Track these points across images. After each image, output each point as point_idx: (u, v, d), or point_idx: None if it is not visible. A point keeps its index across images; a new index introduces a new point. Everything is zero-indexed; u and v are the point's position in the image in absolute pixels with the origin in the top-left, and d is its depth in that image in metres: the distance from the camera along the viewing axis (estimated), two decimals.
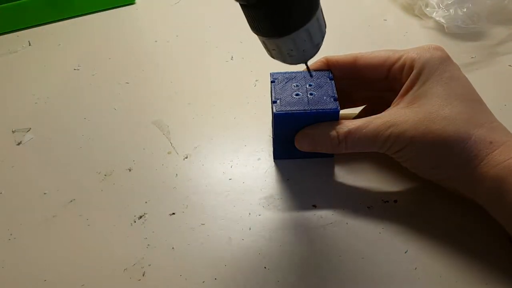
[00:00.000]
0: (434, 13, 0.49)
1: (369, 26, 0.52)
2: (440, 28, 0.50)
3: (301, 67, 0.36)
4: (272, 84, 0.36)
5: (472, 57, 0.47)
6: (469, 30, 0.48)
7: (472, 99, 0.32)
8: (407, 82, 0.33)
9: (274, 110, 0.34)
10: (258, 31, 0.29)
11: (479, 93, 0.33)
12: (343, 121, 0.33)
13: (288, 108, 0.34)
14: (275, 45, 0.30)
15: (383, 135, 0.31)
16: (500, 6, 0.49)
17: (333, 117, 0.34)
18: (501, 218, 0.30)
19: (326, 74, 0.36)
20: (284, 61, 0.31)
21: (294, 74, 0.36)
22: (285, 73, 0.36)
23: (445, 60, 0.32)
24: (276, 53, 0.31)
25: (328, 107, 0.33)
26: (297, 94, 0.35)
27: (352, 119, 0.33)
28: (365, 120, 0.32)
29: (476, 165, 0.30)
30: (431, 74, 0.32)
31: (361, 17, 0.53)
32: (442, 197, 0.34)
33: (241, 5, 0.28)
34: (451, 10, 0.48)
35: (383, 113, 0.32)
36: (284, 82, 0.36)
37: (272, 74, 0.37)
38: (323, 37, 0.31)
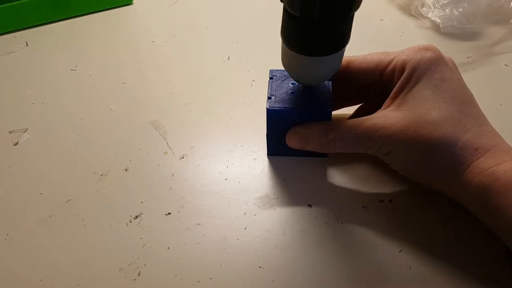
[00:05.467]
0: (430, 13, 0.49)
1: (366, 26, 0.52)
2: (436, 28, 0.50)
3: None
4: (270, 80, 0.36)
5: (468, 57, 0.47)
6: (464, 30, 0.49)
7: (462, 102, 0.31)
8: (398, 84, 0.33)
9: (267, 106, 0.34)
10: (286, 40, 0.31)
11: (475, 93, 0.33)
12: (334, 121, 0.33)
13: (281, 105, 0.34)
14: (288, 56, 0.31)
15: (371, 138, 0.31)
16: (496, 6, 0.49)
17: (325, 117, 0.34)
18: (487, 223, 0.30)
19: None
20: (290, 74, 0.33)
21: None
22: (284, 70, 0.37)
23: (436, 60, 0.32)
24: (288, 64, 0.32)
25: (321, 107, 0.34)
26: (292, 92, 0.35)
27: (343, 120, 0.33)
28: (355, 121, 0.32)
29: (462, 171, 0.30)
30: (421, 76, 0.32)
31: (357, 17, 0.53)
32: (437, 197, 0.34)
33: (289, 15, 0.29)
34: (446, 10, 0.48)
35: (373, 114, 0.32)
36: (282, 80, 0.36)
37: (271, 71, 0.37)
38: (332, 73, 0.33)
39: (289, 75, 0.34)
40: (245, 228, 0.33)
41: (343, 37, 0.30)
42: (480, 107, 0.33)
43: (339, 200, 0.35)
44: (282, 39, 0.31)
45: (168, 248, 0.32)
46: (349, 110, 0.40)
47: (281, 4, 0.29)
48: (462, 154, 0.30)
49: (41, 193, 0.36)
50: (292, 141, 0.35)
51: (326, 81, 0.36)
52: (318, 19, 0.28)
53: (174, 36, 0.52)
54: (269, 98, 0.35)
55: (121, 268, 0.31)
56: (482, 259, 0.31)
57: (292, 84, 0.36)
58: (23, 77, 0.47)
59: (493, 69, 0.46)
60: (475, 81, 0.37)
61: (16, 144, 0.40)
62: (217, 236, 0.33)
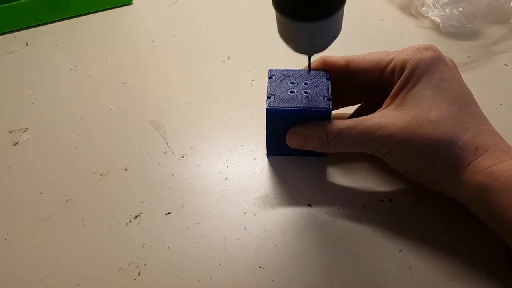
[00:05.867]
0: (430, 12, 0.49)
1: (366, 25, 0.52)
2: (436, 27, 0.50)
3: (300, 65, 0.37)
4: (269, 80, 0.36)
5: (468, 57, 0.47)
6: (464, 30, 0.49)
7: (462, 102, 0.32)
8: (398, 84, 0.33)
9: (267, 106, 0.34)
10: (279, 7, 0.29)
11: (474, 93, 0.33)
12: (334, 121, 0.33)
13: (281, 105, 0.34)
14: (286, 25, 0.30)
15: (371, 138, 0.31)
16: (496, 5, 0.49)
17: (325, 117, 0.34)
18: (486, 222, 0.30)
19: (323, 74, 0.36)
20: (289, 44, 0.32)
21: (291, 72, 0.36)
22: (283, 70, 0.37)
23: (436, 60, 0.32)
24: (284, 33, 0.31)
25: (321, 106, 0.34)
26: (291, 92, 0.35)
27: (343, 119, 0.33)
28: (355, 121, 0.32)
29: (461, 171, 0.30)
30: (421, 76, 0.32)
31: (357, 17, 0.53)
32: (437, 197, 0.34)
33: None
34: (446, 10, 0.48)
35: (373, 114, 0.32)
36: (281, 79, 0.36)
37: (270, 71, 0.37)
38: (332, 40, 0.31)
39: (287, 45, 0.32)
40: (245, 228, 0.33)
41: None
42: (480, 106, 0.33)
43: (339, 200, 0.35)
44: (274, 8, 0.30)
45: (168, 247, 0.32)
46: (349, 109, 0.40)
47: None
48: (462, 154, 0.30)
49: (41, 193, 0.36)
50: (292, 141, 0.35)
51: (326, 81, 0.36)
52: None
53: (174, 36, 0.52)
54: (268, 97, 0.35)
55: (121, 268, 0.31)
56: (482, 258, 0.31)
57: (291, 83, 0.36)
58: (23, 77, 0.47)
59: (493, 69, 0.46)
60: (475, 80, 0.37)
61: (16, 144, 0.40)
62: (217, 236, 0.33)
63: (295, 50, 0.33)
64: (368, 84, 0.35)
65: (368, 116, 0.32)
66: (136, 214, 0.34)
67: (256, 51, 0.49)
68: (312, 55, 0.34)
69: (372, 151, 0.32)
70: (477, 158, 0.29)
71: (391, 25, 0.53)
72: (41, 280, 0.31)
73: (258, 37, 0.51)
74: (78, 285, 0.30)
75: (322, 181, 0.36)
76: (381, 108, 0.33)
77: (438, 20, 0.49)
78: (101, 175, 0.37)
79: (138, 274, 0.31)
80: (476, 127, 0.30)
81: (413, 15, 0.53)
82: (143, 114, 0.42)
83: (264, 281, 0.30)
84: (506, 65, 0.46)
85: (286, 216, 0.34)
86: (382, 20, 0.53)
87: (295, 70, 0.37)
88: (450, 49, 0.48)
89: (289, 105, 0.34)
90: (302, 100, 0.34)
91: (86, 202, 0.35)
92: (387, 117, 0.31)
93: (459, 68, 0.34)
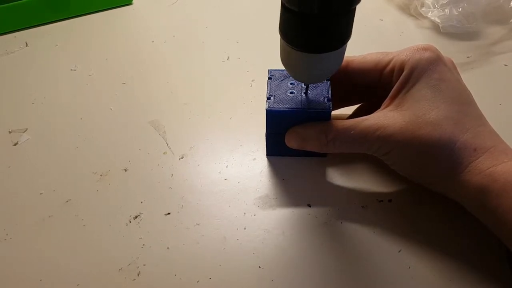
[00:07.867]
0: (430, 12, 0.49)
1: (365, 26, 0.52)
2: (436, 27, 0.50)
3: None
4: (269, 80, 0.36)
5: (467, 57, 0.47)
6: (464, 30, 0.49)
7: (461, 102, 0.31)
8: (397, 84, 0.33)
9: (267, 107, 0.34)
10: (285, 37, 0.30)
11: (474, 93, 0.33)
12: (333, 121, 0.33)
13: (281, 106, 0.34)
14: (287, 53, 0.31)
15: (370, 138, 0.31)
16: (495, 5, 0.49)
17: (325, 117, 0.34)
18: (486, 223, 0.30)
19: None
20: (289, 72, 0.32)
21: None
22: (283, 70, 0.37)
23: (435, 60, 0.32)
24: (287, 61, 0.32)
25: (320, 107, 0.34)
26: (291, 92, 0.35)
27: (342, 120, 0.33)
28: (354, 121, 0.32)
29: (460, 172, 0.30)
30: (420, 76, 0.32)
31: (357, 17, 0.53)
32: (436, 197, 0.34)
33: (287, 9, 0.28)
34: (446, 10, 0.48)
35: (372, 114, 0.33)
36: (281, 80, 0.36)
37: (270, 71, 0.37)
38: (330, 73, 0.32)
39: (288, 73, 0.33)
40: (245, 228, 0.33)
41: (345, 33, 0.29)
42: (480, 107, 0.33)
43: (338, 200, 0.35)
44: (280, 35, 0.30)
45: (168, 248, 0.32)
46: (349, 110, 0.40)
47: (279, 2, 0.28)
48: (461, 155, 0.30)
49: (40, 193, 0.36)
50: (291, 142, 0.35)
51: (326, 81, 0.36)
52: (318, 14, 0.27)
53: (174, 36, 0.52)
54: (268, 98, 0.35)
55: (121, 268, 0.31)
56: (482, 259, 0.31)
57: (291, 84, 0.36)
58: (23, 77, 0.47)
59: (492, 69, 0.46)
60: (474, 81, 0.37)
61: (15, 144, 0.40)
62: (217, 236, 0.33)
63: (295, 79, 0.33)
64: (368, 84, 0.35)
65: (367, 117, 0.32)
66: (136, 215, 0.34)
67: (256, 51, 0.49)
68: (308, 84, 0.34)
69: (371, 151, 0.32)
70: (476, 159, 0.29)
71: (391, 25, 0.53)
72: (41, 280, 0.31)
73: (258, 37, 0.51)
74: (78, 285, 0.30)
75: (322, 181, 0.36)
76: (380, 109, 0.33)
77: (437, 20, 0.49)
78: (100, 175, 0.37)
79: (138, 275, 0.31)
80: (475, 128, 0.30)
81: (412, 15, 0.53)
82: (143, 114, 0.42)
83: (264, 282, 0.30)
84: (505, 65, 0.46)
85: (286, 216, 0.34)
86: (382, 20, 0.53)
87: None
88: (449, 49, 0.48)
89: (289, 106, 0.34)
90: (302, 101, 0.34)
91: (86, 202, 0.35)
92: (386, 117, 0.31)
93: (458, 69, 0.34)
